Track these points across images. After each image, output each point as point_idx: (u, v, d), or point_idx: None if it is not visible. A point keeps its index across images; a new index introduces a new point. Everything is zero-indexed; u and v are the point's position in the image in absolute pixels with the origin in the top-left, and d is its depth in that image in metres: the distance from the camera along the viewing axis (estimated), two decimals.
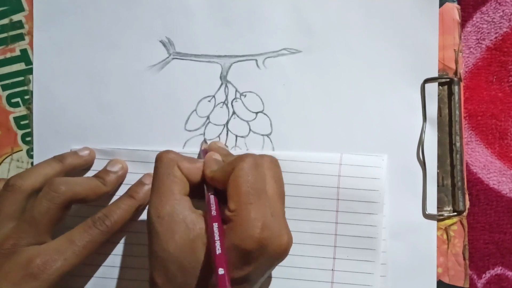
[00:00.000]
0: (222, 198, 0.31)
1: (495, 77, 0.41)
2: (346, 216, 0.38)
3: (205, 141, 0.40)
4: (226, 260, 0.28)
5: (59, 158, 0.38)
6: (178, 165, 0.32)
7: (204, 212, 0.31)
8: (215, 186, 0.32)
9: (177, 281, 0.30)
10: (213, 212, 0.30)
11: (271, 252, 0.30)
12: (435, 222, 0.39)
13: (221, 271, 0.27)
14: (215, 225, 0.29)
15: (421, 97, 0.40)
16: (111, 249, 0.39)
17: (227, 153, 0.36)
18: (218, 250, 0.28)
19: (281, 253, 0.31)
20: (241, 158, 0.31)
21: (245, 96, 0.40)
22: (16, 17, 0.41)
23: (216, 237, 0.28)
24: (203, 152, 0.38)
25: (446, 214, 0.39)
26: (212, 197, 0.31)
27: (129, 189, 0.38)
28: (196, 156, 0.39)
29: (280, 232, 0.30)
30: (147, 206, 0.32)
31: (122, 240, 0.39)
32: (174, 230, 0.30)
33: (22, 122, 0.41)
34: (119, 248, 0.39)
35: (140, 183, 0.38)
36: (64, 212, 0.35)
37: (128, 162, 0.40)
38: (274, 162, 0.33)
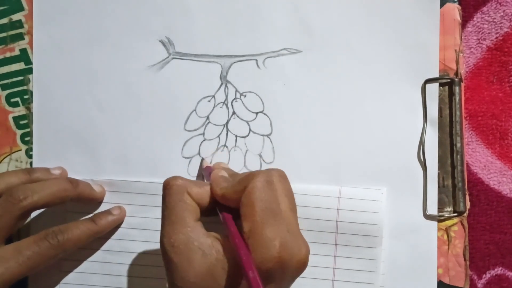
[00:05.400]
0: (235, 216, 0.31)
1: (495, 77, 0.41)
2: (344, 250, 0.38)
3: (203, 159, 0.40)
4: (254, 263, 0.28)
5: (28, 171, 0.38)
6: (188, 191, 0.32)
7: (218, 234, 0.31)
8: (226, 204, 0.32)
9: None
10: (232, 229, 0.30)
11: (292, 267, 0.30)
12: (435, 223, 0.39)
13: (251, 273, 0.27)
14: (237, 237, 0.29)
15: (422, 98, 0.39)
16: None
17: (233, 172, 0.36)
18: (245, 255, 0.28)
19: (301, 267, 0.31)
20: (252, 176, 0.31)
21: (245, 96, 0.40)
22: (15, 17, 0.41)
23: (240, 245, 0.29)
24: (205, 170, 0.38)
25: (446, 215, 0.39)
26: (226, 215, 0.31)
27: (94, 214, 0.38)
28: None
29: (298, 247, 0.30)
30: (160, 236, 0.31)
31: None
32: (191, 258, 0.29)
33: (21, 122, 0.41)
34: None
35: (107, 211, 0.39)
36: (20, 221, 0.35)
37: (124, 194, 0.39)
38: (283, 176, 0.32)
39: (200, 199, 0.32)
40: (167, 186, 0.32)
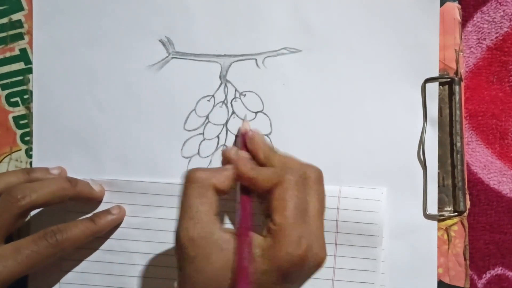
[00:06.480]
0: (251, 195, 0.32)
1: (495, 77, 0.41)
2: (345, 249, 0.38)
3: (245, 117, 0.39)
4: (249, 274, 0.28)
5: (27, 170, 0.38)
6: (210, 183, 0.31)
7: (235, 228, 0.32)
8: (250, 186, 0.32)
9: None
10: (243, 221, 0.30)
11: (310, 268, 0.30)
12: (435, 222, 0.39)
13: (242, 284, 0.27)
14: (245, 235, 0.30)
15: (422, 97, 0.39)
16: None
17: (270, 149, 0.35)
18: (245, 262, 0.28)
19: (317, 268, 0.31)
20: (291, 169, 0.31)
21: (244, 95, 0.40)
22: (15, 16, 0.41)
23: (245, 253, 0.29)
24: (241, 136, 0.37)
25: (446, 214, 0.39)
26: (245, 198, 0.32)
27: (93, 214, 0.38)
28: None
29: (320, 250, 0.31)
30: (176, 229, 0.31)
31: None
32: (210, 252, 0.30)
33: (21, 122, 0.41)
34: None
35: (106, 211, 0.39)
36: (20, 220, 0.35)
37: (124, 193, 0.39)
38: (319, 177, 0.32)
39: (220, 187, 0.32)
40: (189, 179, 0.31)
